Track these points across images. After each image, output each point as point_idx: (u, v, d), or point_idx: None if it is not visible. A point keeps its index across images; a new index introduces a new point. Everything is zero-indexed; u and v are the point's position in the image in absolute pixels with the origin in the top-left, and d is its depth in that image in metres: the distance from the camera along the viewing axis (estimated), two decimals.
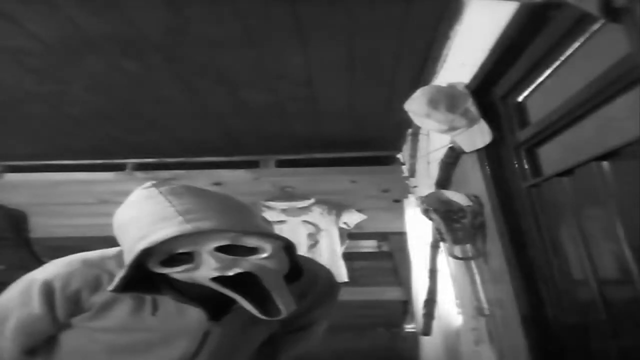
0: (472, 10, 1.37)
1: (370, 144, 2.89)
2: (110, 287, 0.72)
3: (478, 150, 1.45)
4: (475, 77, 1.39)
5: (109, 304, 0.79)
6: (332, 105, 2.20)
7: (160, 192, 0.74)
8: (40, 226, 2.62)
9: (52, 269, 0.79)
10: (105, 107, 2.15)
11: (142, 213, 0.71)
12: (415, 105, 1.50)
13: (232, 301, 0.74)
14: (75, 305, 0.78)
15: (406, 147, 2.68)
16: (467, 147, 1.47)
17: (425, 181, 2.17)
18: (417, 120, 1.57)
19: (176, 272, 0.70)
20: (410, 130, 2.45)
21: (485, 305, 1.62)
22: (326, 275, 1.02)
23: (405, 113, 1.58)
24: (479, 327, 1.70)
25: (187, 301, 0.79)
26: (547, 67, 1.18)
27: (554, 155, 1.27)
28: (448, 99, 1.43)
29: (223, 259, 0.69)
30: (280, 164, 3.10)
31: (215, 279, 0.69)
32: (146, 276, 0.74)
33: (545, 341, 1.24)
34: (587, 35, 0.99)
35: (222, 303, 0.78)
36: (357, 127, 2.56)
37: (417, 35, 1.57)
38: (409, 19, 1.46)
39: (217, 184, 2.93)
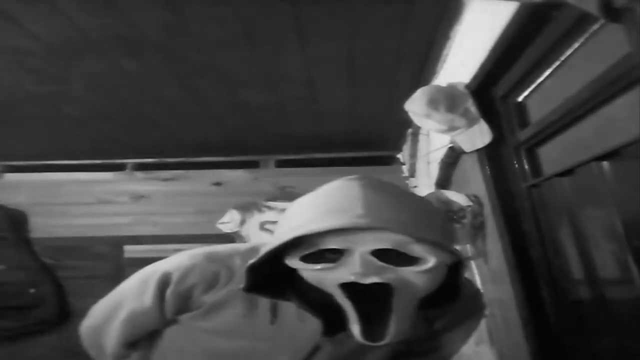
0: (472, 10, 1.37)
1: (370, 144, 2.88)
2: (241, 285, 0.66)
3: (478, 150, 1.45)
4: (475, 77, 1.39)
5: (221, 304, 0.72)
6: (332, 105, 2.20)
7: (360, 185, 0.64)
8: (40, 226, 2.62)
9: (175, 261, 0.74)
10: (105, 107, 2.15)
11: (324, 200, 0.63)
12: (415, 105, 1.50)
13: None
14: (186, 302, 0.72)
15: (406, 147, 2.68)
16: (467, 147, 1.47)
17: (425, 181, 2.17)
18: (417, 120, 1.57)
19: (312, 269, 0.62)
20: (410, 130, 2.45)
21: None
22: (472, 295, 0.84)
23: (405, 113, 1.58)
24: (479, 327, 1.70)
25: (309, 309, 0.69)
26: (547, 67, 1.18)
27: (554, 155, 1.27)
28: (448, 99, 1.43)
29: (370, 264, 0.58)
30: (280, 164, 3.10)
31: (345, 286, 0.60)
32: (268, 279, 0.68)
33: (545, 341, 1.24)
34: (587, 35, 0.99)
35: (340, 317, 0.68)
36: (357, 127, 2.56)
37: (417, 35, 1.57)
38: (409, 19, 1.46)
39: (217, 184, 2.93)
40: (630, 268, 0.90)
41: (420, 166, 2.42)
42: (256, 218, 2.66)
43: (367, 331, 0.61)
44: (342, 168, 3.03)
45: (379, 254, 0.59)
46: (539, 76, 1.24)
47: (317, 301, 0.67)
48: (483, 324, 1.64)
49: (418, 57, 1.72)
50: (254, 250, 0.75)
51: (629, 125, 0.86)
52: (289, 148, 2.91)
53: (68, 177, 3.00)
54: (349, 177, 0.67)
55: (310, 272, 0.63)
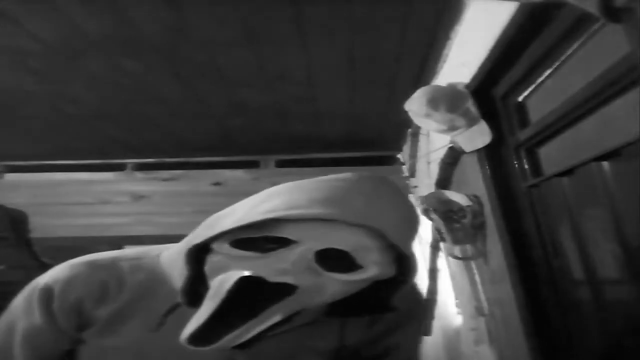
0: (472, 10, 1.37)
1: (370, 144, 2.88)
2: (180, 298, 0.58)
3: (478, 150, 1.45)
4: (475, 77, 1.39)
5: (118, 318, 0.64)
6: (332, 105, 2.20)
7: (355, 180, 0.60)
8: (40, 226, 2.61)
9: (55, 272, 0.68)
10: (105, 107, 2.15)
11: (310, 188, 0.58)
12: (415, 105, 1.50)
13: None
14: (80, 317, 0.65)
15: (406, 147, 2.68)
16: (467, 147, 1.47)
17: (425, 181, 2.17)
18: (417, 120, 1.57)
19: (236, 256, 0.56)
20: (410, 130, 2.45)
21: (485, 305, 1.61)
22: (408, 291, 0.75)
23: (405, 113, 1.58)
24: (478, 327, 1.70)
25: None
26: (547, 67, 1.18)
27: (554, 155, 1.27)
28: (448, 99, 1.43)
29: (303, 264, 0.54)
30: (280, 164, 3.11)
31: (247, 279, 0.54)
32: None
33: (545, 341, 1.24)
34: (587, 35, 0.99)
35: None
36: (357, 127, 2.56)
37: (417, 35, 1.57)
38: (409, 19, 1.46)
39: (217, 184, 2.93)
40: (630, 268, 0.90)
41: (420, 166, 2.42)
42: None
43: (198, 332, 0.54)
44: (342, 168, 3.02)
45: (321, 254, 0.54)
46: (539, 76, 1.24)
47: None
48: (482, 324, 1.64)
49: (418, 57, 1.72)
50: (140, 255, 0.70)
51: (629, 125, 0.86)
52: (289, 148, 2.91)
53: (68, 177, 3.00)
54: (345, 174, 0.62)
55: (221, 259, 0.57)
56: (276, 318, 0.54)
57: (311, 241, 0.54)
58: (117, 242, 2.88)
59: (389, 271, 0.58)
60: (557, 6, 0.97)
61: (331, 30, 1.53)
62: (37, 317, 0.65)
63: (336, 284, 0.55)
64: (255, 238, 0.55)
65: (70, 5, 1.35)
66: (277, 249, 0.54)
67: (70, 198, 2.94)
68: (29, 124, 2.37)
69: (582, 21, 0.96)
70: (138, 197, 2.95)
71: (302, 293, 0.54)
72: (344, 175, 0.61)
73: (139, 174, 3.00)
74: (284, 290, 0.54)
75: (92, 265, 0.68)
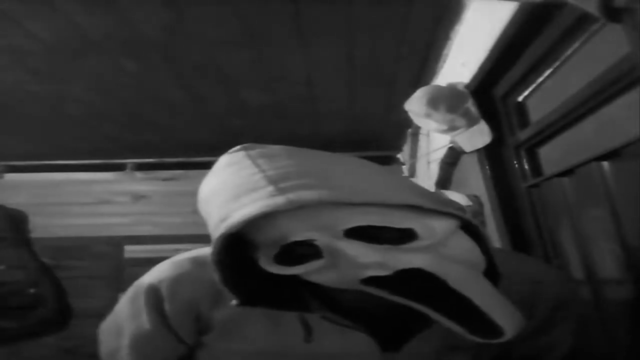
0: (472, 10, 1.37)
1: (370, 144, 2.88)
2: (234, 301, 0.51)
3: (478, 150, 1.45)
4: (475, 77, 1.39)
5: (236, 321, 0.58)
6: (332, 105, 2.20)
7: (248, 156, 0.52)
8: (40, 226, 2.61)
9: (158, 272, 0.62)
10: (105, 107, 2.15)
11: (224, 185, 0.49)
12: (415, 105, 1.50)
13: (415, 323, 0.54)
14: (196, 319, 0.60)
15: (406, 147, 2.68)
16: (467, 147, 1.47)
17: (425, 181, 2.17)
18: (417, 120, 1.57)
19: (304, 273, 0.49)
20: (410, 130, 2.45)
21: None
22: (554, 281, 0.67)
23: (405, 113, 1.58)
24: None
25: (348, 323, 0.56)
26: (547, 67, 1.18)
27: (554, 155, 1.27)
28: (448, 99, 1.43)
29: (367, 250, 0.45)
30: None
31: (369, 282, 0.47)
32: (288, 285, 0.54)
33: None
34: (587, 35, 0.99)
35: (400, 326, 0.56)
36: (357, 127, 2.56)
37: (417, 35, 1.57)
38: (409, 19, 1.46)
39: None
40: (630, 268, 0.90)
41: (420, 166, 2.42)
42: None
43: (471, 328, 0.47)
44: None
45: (362, 234, 0.46)
46: (539, 76, 1.24)
47: (356, 308, 0.54)
48: None
49: (418, 57, 1.72)
50: None
51: (629, 125, 0.86)
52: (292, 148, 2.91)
53: (68, 177, 3.00)
54: (237, 147, 0.55)
55: (311, 276, 0.49)
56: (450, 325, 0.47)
57: (317, 232, 0.46)
58: (117, 242, 2.89)
59: (449, 223, 0.49)
60: (557, 6, 0.97)
61: (331, 30, 1.53)
62: (145, 323, 0.59)
63: (439, 254, 0.48)
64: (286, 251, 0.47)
65: (70, 5, 1.35)
66: (324, 253, 0.47)
67: (70, 198, 2.94)
68: (29, 124, 2.37)
69: (582, 21, 0.96)
70: (138, 197, 2.95)
71: (442, 272, 0.47)
72: (227, 158, 0.55)
73: (139, 174, 3.00)
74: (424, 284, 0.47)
75: (197, 261, 0.62)
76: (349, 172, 0.51)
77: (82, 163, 3.02)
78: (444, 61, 1.66)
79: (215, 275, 0.48)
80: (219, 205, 0.48)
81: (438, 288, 0.46)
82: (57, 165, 3.02)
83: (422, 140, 2.29)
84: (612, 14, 0.74)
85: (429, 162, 2.06)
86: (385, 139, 2.77)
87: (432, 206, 0.47)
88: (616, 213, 0.93)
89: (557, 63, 1.14)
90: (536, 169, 1.33)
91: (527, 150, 1.35)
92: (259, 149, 0.53)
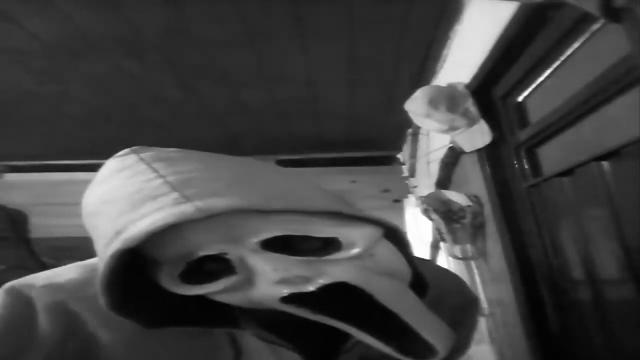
0: (472, 10, 1.37)
1: (370, 144, 2.89)
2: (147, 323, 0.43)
3: (478, 150, 1.45)
4: (475, 77, 1.39)
5: (136, 346, 0.46)
6: (332, 105, 2.20)
7: (141, 159, 0.45)
8: (40, 226, 2.62)
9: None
10: (105, 107, 2.15)
11: (116, 194, 0.42)
12: (415, 105, 1.50)
13: (341, 339, 0.49)
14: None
15: (406, 147, 2.68)
16: (467, 147, 1.47)
17: (425, 181, 2.17)
18: (417, 120, 1.57)
19: (214, 292, 0.42)
20: (410, 130, 2.45)
21: (485, 305, 1.61)
22: (457, 286, 0.67)
23: (405, 113, 1.58)
24: (479, 327, 1.70)
25: (279, 342, 0.50)
26: (547, 67, 1.18)
27: (554, 155, 1.27)
28: (448, 99, 1.43)
29: (286, 263, 0.40)
30: (280, 164, 3.11)
31: (289, 300, 0.41)
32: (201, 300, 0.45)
33: (545, 341, 1.24)
34: (587, 35, 0.99)
35: (328, 342, 0.51)
36: (357, 127, 2.56)
37: (417, 35, 1.57)
38: (409, 18, 1.46)
39: None
40: (630, 268, 0.90)
41: (420, 166, 2.42)
42: None
43: (404, 348, 0.42)
44: (342, 168, 3.03)
45: (277, 246, 0.41)
46: (539, 76, 1.24)
47: (285, 322, 0.47)
48: (483, 323, 1.64)
49: (418, 57, 1.72)
50: None
51: (629, 125, 0.86)
52: (289, 148, 2.91)
53: (68, 177, 3.00)
54: (125, 151, 0.47)
55: (221, 295, 0.43)
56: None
57: (228, 244, 0.41)
58: None
59: (371, 232, 0.45)
60: (557, 6, 0.97)
61: (331, 30, 1.53)
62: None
63: (363, 264, 0.43)
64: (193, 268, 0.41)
65: (70, 5, 1.35)
66: (237, 267, 0.41)
67: (70, 198, 2.92)
68: (28, 124, 2.37)
69: (582, 21, 0.96)
70: None
71: (369, 284, 0.42)
72: (116, 163, 0.47)
73: None
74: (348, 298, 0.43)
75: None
76: (260, 177, 0.46)
77: (82, 163, 3.02)
78: (444, 61, 1.66)
79: (102, 300, 0.39)
80: (111, 216, 0.41)
81: (365, 303, 0.42)
82: (57, 165, 3.02)
83: (422, 140, 2.29)
84: (612, 14, 0.74)
85: (429, 162, 2.06)
86: (385, 139, 2.77)
87: (354, 212, 0.43)
88: (616, 213, 0.93)
89: (557, 63, 1.14)
90: (536, 169, 1.33)
91: (527, 150, 1.35)
92: (152, 152, 0.47)
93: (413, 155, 2.49)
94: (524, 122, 1.37)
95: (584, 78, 1.00)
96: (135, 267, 0.44)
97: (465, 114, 1.42)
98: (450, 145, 1.61)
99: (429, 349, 0.41)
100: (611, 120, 0.98)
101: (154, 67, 1.75)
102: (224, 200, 0.38)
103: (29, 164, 3.03)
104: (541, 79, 1.24)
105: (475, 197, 1.53)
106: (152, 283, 0.43)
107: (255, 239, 0.40)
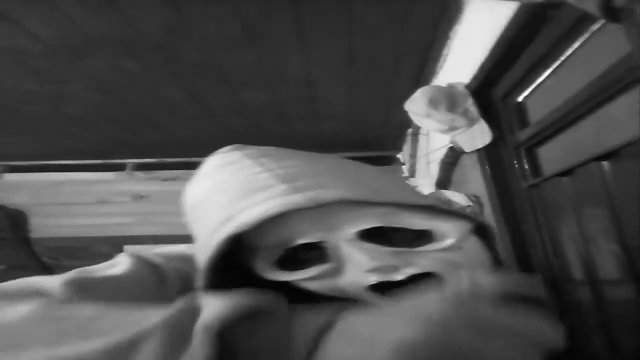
0: (472, 10, 1.37)
1: (370, 144, 2.88)
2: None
3: (478, 150, 1.45)
4: (475, 77, 1.39)
5: None
6: (332, 105, 2.20)
7: (246, 155, 0.49)
8: (40, 226, 2.62)
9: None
10: (105, 107, 2.15)
11: (224, 185, 0.45)
12: (415, 106, 1.50)
13: None
14: None
15: (406, 147, 2.68)
16: (467, 147, 1.47)
17: (425, 181, 2.17)
18: (417, 120, 1.57)
19: (306, 279, 0.44)
20: (410, 130, 2.45)
21: None
22: None
23: (405, 113, 1.58)
24: None
25: None
26: (547, 67, 1.18)
27: (554, 155, 1.27)
28: (448, 99, 1.43)
29: (380, 253, 0.42)
30: None
31: (373, 288, 0.43)
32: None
33: None
34: (587, 35, 0.99)
35: None
36: (357, 127, 2.56)
37: (417, 35, 1.57)
38: (409, 19, 1.46)
39: None
40: (630, 268, 0.90)
41: (420, 166, 2.42)
42: None
43: None
44: None
45: (372, 237, 0.43)
46: (539, 76, 1.24)
47: None
48: None
49: (418, 57, 1.72)
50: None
51: (629, 125, 0.86)
52: (288, 148, 2.91)
53: (68, 177, 3.00)
54: (228, 148, 0.52)
55: (310, 282, 0.45)
56: None
57: (329, 233, 0.43)
58: (117, 242, 2.89)
59: (462, 225, 0.47)
60: (557, 6, 0.97)
61: (331, 30, 1.53)
62: None
63: (452, 257, 0.45)
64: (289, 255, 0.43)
65: (70, 5, 1.35)
66: (331, 256, 0.43)
67: (70, 198, 2.94)
68: (28, 124, 2.37)
69: (582, 21, 0.96)
70: (138, 197, 2.95)
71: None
72: (221, 159, 0.52)
73: (139, 174, 3.00)
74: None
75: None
76: (359, 173, 0.48)
77: (82, 163, 3.02)
78: (444, 61, 1.66)
79: (201, 282, 0.41)
80: (221, 205, 0.43)
81: None
82: (57, 165, 3.02)
83: (422, 140, 2.29)
84: (612, 14, 0.74)
85: (429, 162, 2.06)
86: (385, 139, 2.77)
87: (446, 207, 0.46)
88: (616, 213, 0.93)
89: (557, 63, 1.14)
90: (536, 169, 1.33)
91: (527, 150, 1.35)
92: (253, 149, 0.50)
93: (413, 155, 2.49)
94: (524, 122, 1.37)
95: (584, 78, 1.00)
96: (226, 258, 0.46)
97: (465, 114, 1.42)
98: (450, 145, 1.61)
99: None
100: (611, 120, 0.98)
101: (154, 67, 1.75)
102: (332, 192, 0.40)
103: (29, 164, 3.03)
104: (541, 79, 1.24)
105: (475, 197, 1.53)
106: (236, 276, 0.46)
107: (354, 229, 0.42)
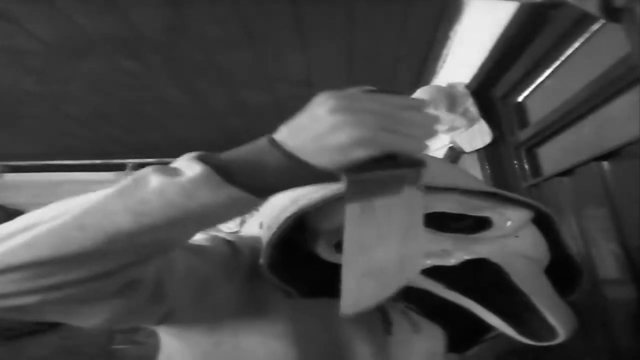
0: (472, 10, 1.37)
1: None
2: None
3: (478, 150, 1.45)
4: (475, 77, 1.39)
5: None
6: None
7: None
8: None
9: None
10: (105, 107, 2.15)
11: None
12: None
13: (479, 334, 0.51)
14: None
15: None
16: (467, 147, 1.47)
17: None
18: None
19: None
20: None
21: None
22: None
23: None
24: None
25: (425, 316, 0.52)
26: (547, 67, 1.18)
27: (554, 155, 1.27)
28: (448, 99, 1.43)
29: (438, 237, 0.44)
30: None
31: (430, 273, 0.45)
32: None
33: None
34: (587, 35, 0.99)
35: (459, 325, 0.53)
36: None
37: (417, 35, 1.56)
38: (409, 19, 1.46)
39: None
40: (630, 268, 0.90)
41: None
42: (256, 217, 2.66)
43: (522, 329, 0.45)
44: None
45: (430, 223, 0.43)
46: (539, 76, 1.24)
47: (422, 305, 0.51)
48: None
49: (418, 57, 1.72)
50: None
51: (629, 125, 0.86)
52: None
53: (68, 177, 3.00)
54: None
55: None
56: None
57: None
58: None
59: (523, 214, 0.49)
60: (557, 6, 0.97)
61: (331, 30, 1.53)
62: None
63: (508, 244, 0.47)
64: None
65: (70, 5, 1.35)
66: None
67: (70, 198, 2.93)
68: (29, 124, 2.37)
69: (582, 21, 0.96)
70: None
71: (509, 265, 0.45)
72: None
73: None
74: (487, 275, 0.46)
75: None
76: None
77: (82, 163, 3.02)
78: (444, 61, 1.66)
79: (264, 260, 0.46)
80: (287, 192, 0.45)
81: (495, 282, 0.45)
82: (57, 165, 3.02)
83: None
84: (612, 14, 0.74)
85: None
86: None
87: (509, 195, 0.46)
88: (616, 213, 0.93)
89: (557, 63, 1.14)
90: (536, 169, 1.33)
91: (527, 150, 1.35)
92: None
93: None
94: (524, 122, 1.37)
95: (584, 78, 1.00)
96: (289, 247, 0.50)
97: (465, 114, 1.42)
98: (450, 145, 1.61)
99: (551, 332, 0.45)
100: (611, 120, 0.98)
101: (154, 67, 1.75)
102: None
103: (29, 164, 3.02)
104: (541, 79, 1.24)
105: None
106: (298, 263, 0.50)
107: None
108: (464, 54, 1.47)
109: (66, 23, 1.43)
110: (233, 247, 0.55)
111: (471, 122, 1.42)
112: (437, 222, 0.44)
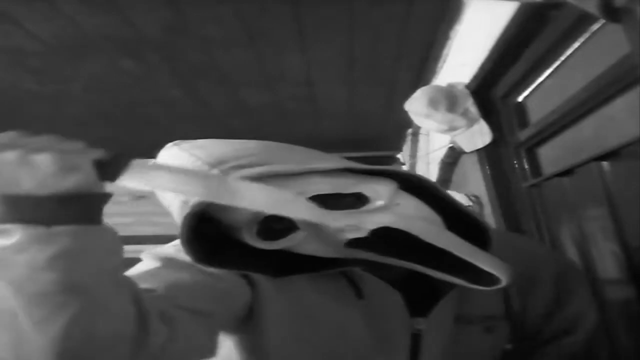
0: (472, 10, 1.37)
1: (370, 144, 2.88)
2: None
3: (478, 150, 1.45)
4: (475, 77, 1.39)
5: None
6: (332, 105, 2.20)
7: (182, 149, 0.61)
8: None
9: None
10: (105, 107, 2.15)
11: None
12: (415, 106, 1.50)
13: (422, 290, 0.55)
14: None
15: (406, 147, 2.68)
16: (467, 147, 1.47)
17: None
18: (417, 120, 1.57)
19: (295, 245, 0.52)
20: (410, 130, 2.45)
21: None
22: (548, 254, 0.71)
23: (405, 113, 1.58)
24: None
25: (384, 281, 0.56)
26: (547, 67, 1.18)
27: (554, 155, 1.27)
28: (448, 99, 1.43)
29: (332, 215, 0.48)
30: None
31: (353, 245, 0.50)
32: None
33: None
34: (587, 35, 0.99)
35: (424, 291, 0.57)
36: (357, 127, 2.56)
37: (417, 35, 1.56)
38: (409, 19, 1.46)
39: None
40: (630, 268, 0.90)
41: (420, 166, 2.42)
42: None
43: (467, 277, 0.49)
44: None
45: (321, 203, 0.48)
46: (539, 76, 1.24)
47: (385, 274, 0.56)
48: None
49: (418, 57, 1.72)
50: None
51: (629, 125, 0.86)
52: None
53: None
54: (169, 145, 0.66)
55: (300, 246, 0.53)
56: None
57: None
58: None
59: (389, 185, 0.56)
60: (557, 6, 0.97)
61: (331, 30, 1.53)
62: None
63: (398, 211, 0.52)
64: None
65: (70, 5, 1.35)
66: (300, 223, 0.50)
67: None
68: (29, 124, 2.37)
69: (582, 21, 0.96)
70: (138, 197, 2.95)
71: (411, 227, 0.49)
72: (164, 154, 0.68)
73: None
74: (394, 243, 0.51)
75: None
76: (277, 149, 0.58)
77: None
78: (444, 61, 1.66)
79: (187, 254, 0.52)
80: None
81: (416, 246, 0.49)
82: None
83: (422, 140, 2.29)
84: (612, 14, 0.74)
85: (428, 162, 2.06)
86: (385, 139, 2.77)
87: (364, 168, 0.52)
88: (616, 213, 0.93)
89: (557, 63, 1.14)
90: (536, 169, 1.33)
91: (527, 150, 1.35)
92: (191, 142, 0.64)
93: (413, 155, 2.49)
94: (524, 122, 1.37)
95: (584, 78, 1.00)
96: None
97: (465, 114, 1.42)
98: (450, 145, 1.61)
99: (494, 278, 0.48)
100: (611, 120, 0.98)
101: (154, 67, 1.75)
102: (264, 168, 0.48)
103: None
104: (541, 79, 1.24)
105: (475, 197, 1.53)
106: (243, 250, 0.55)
107: (304, 197, 0.48)
108: (464, 54, 1.47)
109: (66, 23, 1.43)
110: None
111: (471, 122, 1.42)
112: (330, 203, 0.49)
